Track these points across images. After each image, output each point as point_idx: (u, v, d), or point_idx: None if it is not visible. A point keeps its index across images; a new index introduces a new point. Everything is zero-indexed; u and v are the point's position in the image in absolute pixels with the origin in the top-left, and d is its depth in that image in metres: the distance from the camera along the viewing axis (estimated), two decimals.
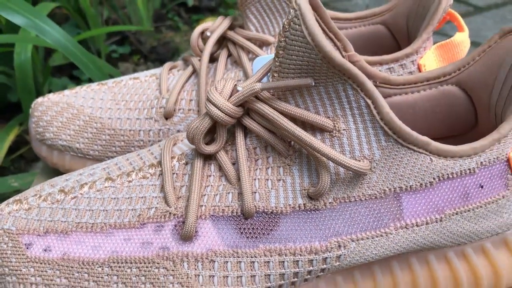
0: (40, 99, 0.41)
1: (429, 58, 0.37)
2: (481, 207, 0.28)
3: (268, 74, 0.29)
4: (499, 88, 0.31)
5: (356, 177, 0.27)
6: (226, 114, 0.27)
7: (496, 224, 0.29)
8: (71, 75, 0.88)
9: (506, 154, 0.28)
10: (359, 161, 0.27)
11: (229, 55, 0.39)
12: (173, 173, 0.30)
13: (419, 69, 0.37)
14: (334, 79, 0.26)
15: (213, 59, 0.41)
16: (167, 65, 0.41)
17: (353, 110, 0.26)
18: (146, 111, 0.38)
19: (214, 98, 0.27)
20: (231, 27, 0.40)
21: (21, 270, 0.28)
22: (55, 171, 0.42)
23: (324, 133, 0.27)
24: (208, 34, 0.39)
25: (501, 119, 0.30)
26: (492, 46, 0.31)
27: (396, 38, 0.42)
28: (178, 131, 0.38)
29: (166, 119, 0.38)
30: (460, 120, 0.34)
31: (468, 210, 0.28)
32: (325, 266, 0.28)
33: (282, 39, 0.26)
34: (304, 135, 0.26)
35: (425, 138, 0.26)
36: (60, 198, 0.30)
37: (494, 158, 0.28)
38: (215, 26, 0.39)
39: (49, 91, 0.87)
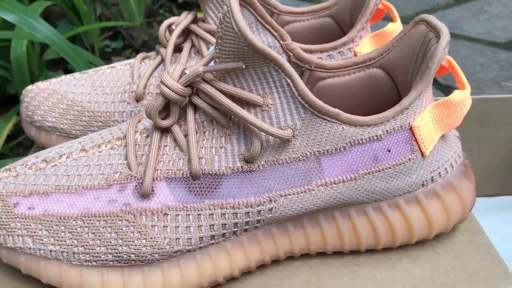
0: (29, 87, 0.47)
1: (365, 45, 0.43)
2: (390, 168, 0.34)
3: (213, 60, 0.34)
4: (412, 69, 0.36)
5: (282, 143, 0.33)
6: (176, 93, 0.33)
7: (406, 183, 0.35)
8: (66, 68, 0.94)
9: (409, 123, 0.33)
10: (284, 130, 0.32)
11: (193, 45, 0.45)
12: (136, 144, 0.35)
13: (355, 56, 0.42)
14: (260, 63, 0.31)
15: (180, 49, 0.46)
16: (140, 55, 0.47)
17: (277, 88, 0.32)
18: (120, 95, 0.44)
19: (165, 80, 0.33)
20: (194, 21, 0.46)
21: (9, 225, 0.34)
22: None
23: (257, 108, 0.33)
24: (174, 27, 0.45)
25: None
26: (407, 33, 0.37)
27: (343, 29, 0.48)
28: None
29: (137, 101, 0.44)
30: (386, 97, 0.39)
31: (379, 171, 0.34)
32: (259, 217, 0.33)
33: (220, 30, 0.32)
34: (239, 110, 0.32)
35: (336, 110, 0.32)
36: (42, 166, 0.36)
37: (398, 127, 0.33)
38: (180, 20, 0.45)
39: None
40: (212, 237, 0.33)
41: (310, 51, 0.42)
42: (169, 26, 0.45)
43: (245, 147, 0.33)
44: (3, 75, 0.78)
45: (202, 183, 0.33)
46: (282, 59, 0.31)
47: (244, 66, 0.32)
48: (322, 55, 0.42)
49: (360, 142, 0.33)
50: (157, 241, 0.33)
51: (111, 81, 0.45)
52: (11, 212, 0.34)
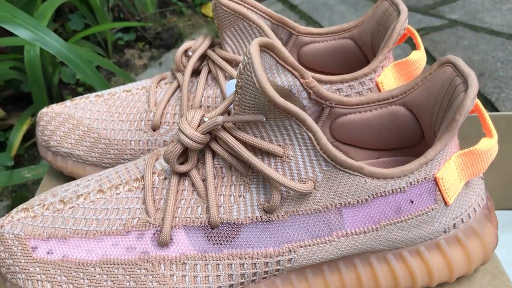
0: (44, 110, 0.46)
1: (387, 75, 0.41)
2: (412, 218, 0.33)
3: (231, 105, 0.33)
4: (436, 111, 0.35)
5: (303, 195, 0.32)
6: (194, 142, 0.33)
7: (427, 231, 0.34)
8: None
9: (433, 174, 0.32)
10: (305, 182, 0.32)
11: (210, 71, 0.44)
12: (154, 187, 0.35)
13: (377, 86, 0.41)
14: (281, 116, 0.30)
15: (198, 71, 0.45)
16: (156, 78, 0.46)
17: (298, 140, 0.31)
18: (136, 123, 0.44)
19: (184, 128, 0.32)
20: (212, 44, 0.45)
21: (29, 269, 0.34)
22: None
23: (277, 158, 0.32)
24: (190, 53, 0.44)
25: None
26: (432, 74, 0.35)
27: (363, 51, 0.47)
28: (164, 141, 0.43)
29: (154, 130, 0.43)
30: (409, 134, 0.38)
31: (401, 221, 0.33)
32: (278, 267, 0.33)
33: (240, 80, 0.31)
34: (258, 164, 0.31)
35: (359, 164, 0.31)
36: (60, 208, 0.35)
37: (422, 178, 0.32)
38: (196, 45, 0.44)
39: (59, 80, 0.92)
40: (231, 286, 0.33)
41: (331, 82, 0.41)
42: (186, 51, 0.44)
43: (265, 197, 0.33)
44: (16, 77, 0.78)
45: (220, 232, 0.33)
46: (304, 114, 0.30)
47: (264, 119, 0.31)
48: (342, 86, 0.41)
49: (383, 194, 0.32)
50: None
51: (127, 107, 0.45)
52: (30, 256, 0.34)
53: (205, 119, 0.33)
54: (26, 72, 0.73)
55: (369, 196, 0.32)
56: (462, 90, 0.32)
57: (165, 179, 0.35)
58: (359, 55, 0.47)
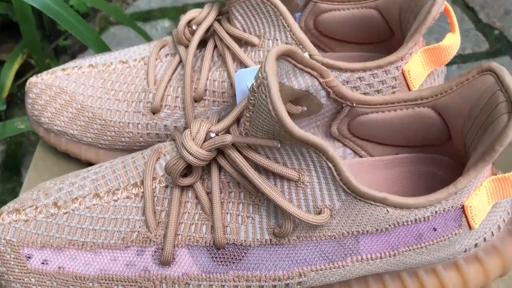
0: (33, 79, 0.42)
1: (415, 62, 0.37)
2: (433, 244, 0.31)
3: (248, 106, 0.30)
4: (471, 123, 0.31)
5: None
6: (198, 159, 0.29)
7: (447, 253, 0.32)
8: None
9: (461, 203, 0.30)
10: (321, 210, 0.29)
11: (215, 46, 0.39)
12: (154, 196, 0.32)
13: (403, 74, 0.37)
14: (298, 144, 0.27)
15: (204, 41, 0.40)
16: (156, 46, 0.41)
17: (317, 168, 0.28)
18: (134, 104, 0.40)
19: (187, 145, 0.29)
20: (219, 13, 0.40)
21: (23, 280, 0.32)
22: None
23: (291, 182, 0.29)
24: (194, 27, 0.39)
25: (468, 153, 0.31)
26: (470, 80, 0.31)
27: (389, 23, 0.41)
28: (165, 125, 0.39)
29: (153, 113, 0.39)
30: (434, 135, 0.35)
31: (421, 247, 0.31)
32: None
33: (252, 98, 0.27)
34: (269, 192, 0.28)
35: (382, 195, 0.28)
36: (53, 212, 0.33)
37: (449, 207, 0.29)
38: (201, 16, 0.39)
39: None
40: None
41: (352, 70, 0.36)
42: (189, 22, 0.39)
43: (275, 221, 0.30)
44: (3, 11, 0.71)
45: (226, 253, 0.31)
46: (325, 145, 0.26)
47: (279, 145, 0.27)
48: (364, 74, 0.37)
49: (405, 224, 0.29)
50: None
51: (124, 84, 0.40)
52: (24, 266, 0.32)
53: (212, 135, 0.29)
54: (14, 7, 0.66)
55: (389, 225, 0.29)
56: (505, 112, 0.28)
57: (166, 187, 0.32)
58: (383, 27, 0.42)
